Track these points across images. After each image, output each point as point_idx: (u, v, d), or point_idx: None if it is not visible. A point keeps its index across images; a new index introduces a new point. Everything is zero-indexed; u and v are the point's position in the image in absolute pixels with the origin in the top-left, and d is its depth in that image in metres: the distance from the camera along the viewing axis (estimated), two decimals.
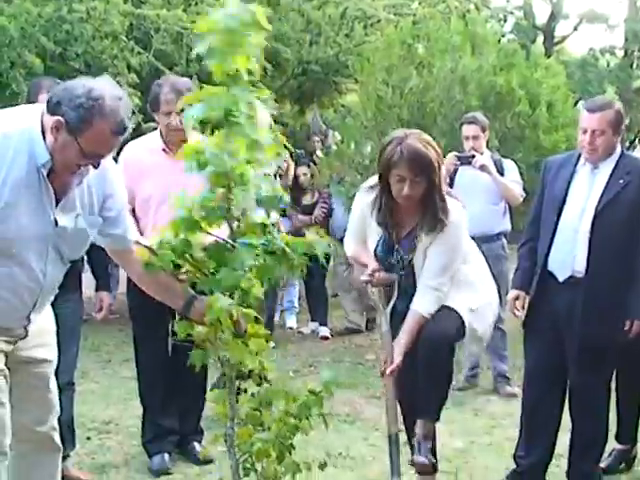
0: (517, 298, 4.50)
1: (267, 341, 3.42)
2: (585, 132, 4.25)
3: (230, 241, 3.28)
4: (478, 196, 6.26)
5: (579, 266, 4.23)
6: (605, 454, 4.63)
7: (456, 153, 6.35)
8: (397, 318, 3.93)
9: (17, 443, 3.21)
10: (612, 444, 4.76)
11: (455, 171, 6.32)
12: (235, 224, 3.27)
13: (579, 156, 4.36)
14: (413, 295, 3.87)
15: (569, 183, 4.33)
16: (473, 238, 5.22)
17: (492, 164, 6.39)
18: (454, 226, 3.78)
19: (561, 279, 4.28)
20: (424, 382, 3.84)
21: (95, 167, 2.97)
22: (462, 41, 8.12)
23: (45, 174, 2.93)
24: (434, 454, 3.95)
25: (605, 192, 4.22)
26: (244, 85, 3.11)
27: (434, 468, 3.92)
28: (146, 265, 3.25)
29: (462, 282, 3.90)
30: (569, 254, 4.26)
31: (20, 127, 2.93)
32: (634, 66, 24.49)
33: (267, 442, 3.36)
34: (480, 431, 5.50)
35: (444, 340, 3.80)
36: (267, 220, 3.38)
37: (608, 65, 24.43)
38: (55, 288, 3.25)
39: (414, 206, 3.80)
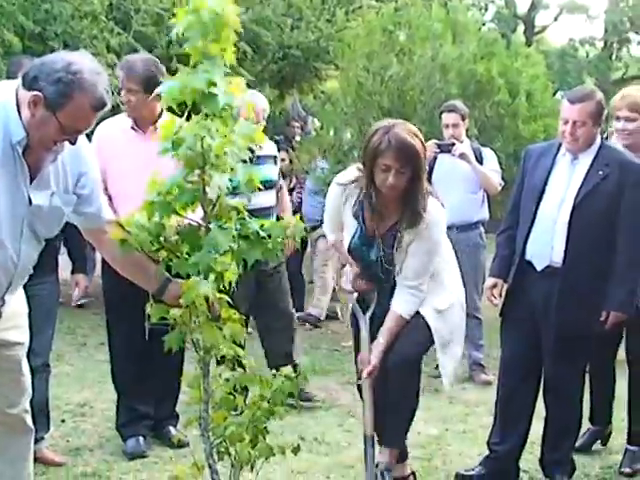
0: (495, 286, 4.51)
1: (242, 326, 3.43)
2: (566, 123, 4.25)
3: (204, 224, 3.27)
4: (457, 184, 6.30)
5: (557, 256, 4.24)
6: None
7: (436, 141, 6.36)
8: (377, 322, 3.96)
9: None
10: (586, 425, 4.81)
11: (434, 159, 6.34)
12: (209, 207, 3.27)
13: (559, 146, 4.37)
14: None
15: (549, 173, 4.34)
16: (451, 227, 5.27)
17: (471, 152, 6.41)
18: (434, 225, 3.78)
19: (539, 268, 4.29)
20: (390, 412, 3.92)
21: (72, 143, 2.94)
22: (443, 29, 8.12)
23: (20, 152, 2.88)
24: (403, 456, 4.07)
25: (584, 183, 4.23)
26: (221, 67, 3.11)
27: None
28: (122, 243, 3.23)
29: (432, 280, 3.90)
30: (547, 244, 4.27)
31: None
32: (613, 57, 24.64)
33: (241, 426, 3.36)
34: (455, 418, 5.54)
35: (410, 367, 3.88)
36: (242, 204, 3.37)
37: (587, 56, 24.57)
38: (30, 268, 3.21)
39: (396, 199, 3.79)
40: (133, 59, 4.74)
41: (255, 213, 4.57)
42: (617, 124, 4.79)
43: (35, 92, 2.78)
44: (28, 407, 3.41)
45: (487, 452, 4.55)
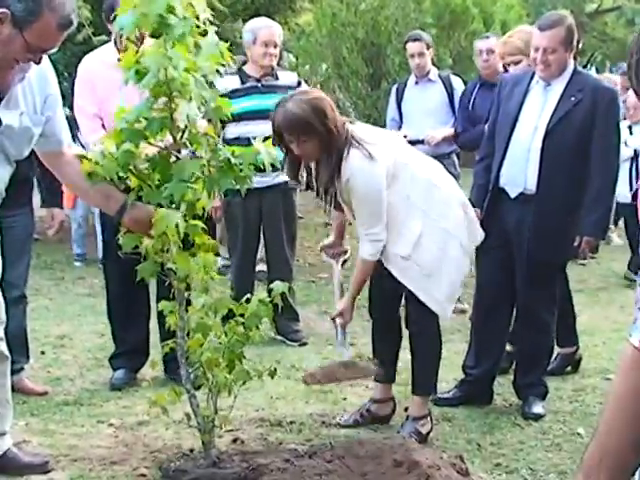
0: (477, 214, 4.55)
1: (214, 254, 3.46)
2: (537, 50, 4.26)
3: (174, 152, 3.27)
4: (427, 116, 6.32)
5: (530, 183, 4.28)
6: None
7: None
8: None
9: None
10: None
11: (403, 90, 6.39)
12: (179, 135, 3.27)
13: (533, 74, 4.38)
14: None
15: (522, 100, 4.36)
16: None
17: (439, 80, 6.42)
18: (353, 177, 3.75)
19: (512, 195, 4.33)
20: (416, 361, 4.12)
21: (36, 63, 2.93)
22: None
23: None
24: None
25: (557, 110, 4.26)
26: None
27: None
28: (89, 175, 3.24)
29: (387, 229, 3.88)
30: (521, 171, 4.30)
31: None
32: None
33: (217, 351, 3.41)
34: None
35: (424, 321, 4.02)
36: (212, 130, 3.37)
37: None
38: (2, 191, 3.23)
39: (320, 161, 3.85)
40: None
41: (235, 143, 4.60)
42: (510, 68, 5.09)
43: (2, 9, 2.76)
44: (2, 335, 3.45)
45: (462, 377, 4.65)
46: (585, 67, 26.71)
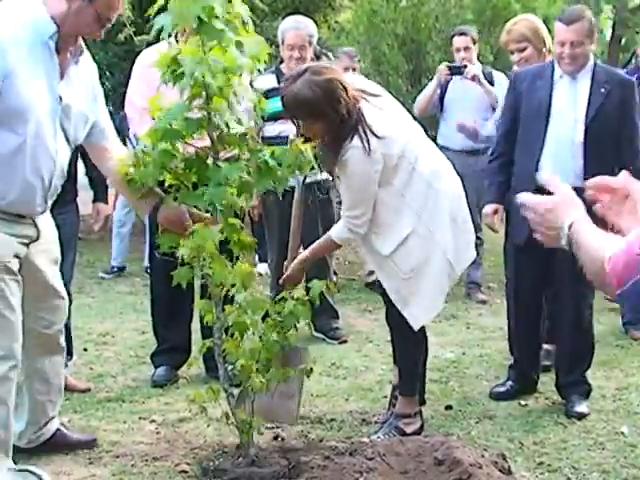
0: (496, 212, 4.50)
1: (252, 265, 3.45)
2: (563, 45, 4.27)
3: (212, 153, 3.27)
4: (468, 108, 6.31)
5: (578, 177, 4.18)
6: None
7: (447, 63, 6.38)
8: None
9: (28, 347, 3.39)
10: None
11: (447, 82, 6.37)
12: (216, 134, 3.26)
13: (553, 68, 4.39)
14: None
15: (550, 94, 4.34)
16: (461, 151, 5.25)
17: (482, 76, 6.39)
18: (345, 163, 3.64)
19: None
20: (398, 362, 4.07)
21: (99, 36, 3.15)
22: None
23: (53, 47, 3.03)
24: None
25: (591, 102, 4.28)
26: None
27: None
28: (129, 182, 3.27)
29: (372, 224, 3.79)
30: (568, 165, 4.23)
31: (22, 7, 3.03)
32: None
33: (252, 354, 3.38)
34: (471, 343, 5.58)
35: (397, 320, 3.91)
36: (252, 131, 3.36)
37: None
38: (64, 174, 3.33)
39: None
40: None
41: (275, 141, 4.60)
42: (513, 57, 5.11)
43: None
44: (63, 328, 3.64)
45: (503, 376, 4.63)
46: (629, 62, 26.35)
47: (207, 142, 3.32)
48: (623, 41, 25.12)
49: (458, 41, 6.50)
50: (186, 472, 3.56)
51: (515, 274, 4.57)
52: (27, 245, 3.28)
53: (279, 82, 5.38)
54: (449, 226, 3.83)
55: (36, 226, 3.30)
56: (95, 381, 4.73)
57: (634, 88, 4.43)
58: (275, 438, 3.89)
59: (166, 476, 3.53)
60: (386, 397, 4.42)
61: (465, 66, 6.29)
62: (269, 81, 5.34)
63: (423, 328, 3.99)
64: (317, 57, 11.51)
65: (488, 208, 4.54)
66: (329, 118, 3.58)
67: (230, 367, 3.57)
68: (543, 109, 4.32)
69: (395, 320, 3.94)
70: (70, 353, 4.64)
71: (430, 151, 3.94)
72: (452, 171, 3.98)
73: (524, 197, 1.80)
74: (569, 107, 4.31)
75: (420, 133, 3.94)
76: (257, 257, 7.19)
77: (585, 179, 4.12)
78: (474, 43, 6.49)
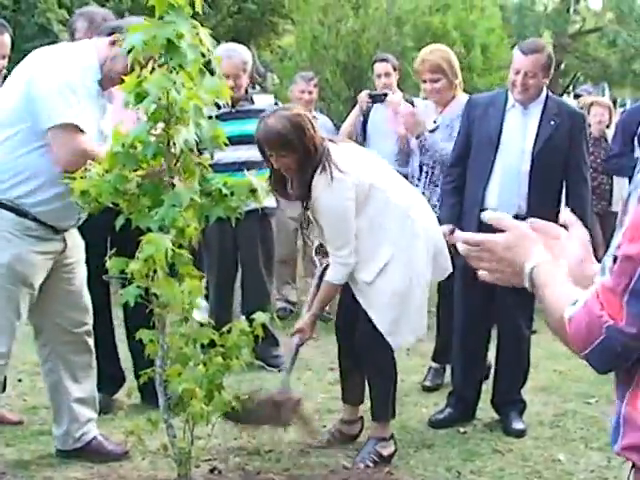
0: (453, 231, 4.56)
1: (200, 283, 3.42)
2: (517, 73, 4.35)
3: (167, 177, 3.25)
4: (391, 135, 6.31)
5: (522, 205, 4.35)
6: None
7: (369, 91, 6.36)
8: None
9: (57, 346, 3.80)
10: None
11: (369, 110, 6.36)
12: (173, 162, 3.24)
13: (506, 96, 4.45)
14: None
15: (501, 123, 4.41)
16: None
17: (404, 103, 6.39)
18: (319, 199, 3.77)
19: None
20: (371, 387, 4.15)
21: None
22: None
23: (100, 90, 3.58)
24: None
25: (539, 133, 4.36)
26: (187, 18, 3.06)
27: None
28: (82, 195, 3.21)
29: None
30: (513, 194, 4.36)
31: (83, 54, 3.58)
32: (571, 11, 24.61)
33: (195, 381, 3.36)
34: (411, 370, 5.56)
35: (371, 342, 3.98)
36: (206, 160, 3.36)
37: (545, 9, 24.49)
38: None
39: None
40: (91, 10, 4.69)
41: (244, 166, 4.62)
42: (425, 86, 5.12)
43: (120, 34, 3.42)
44: (91, 328, 3.91)
45: (445, 401, 4.67)
46: (567, 87, 26.88)
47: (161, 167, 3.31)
48: (562, 66, 25.66)
49: (379, 67, 6.44)
50: None
51: (462, 306, 4.61)
52: (54, 259, 3.64)
53: (218, 108, 5.36)
54: (425, 253, 3.98)
55: (64, 240, 3.68)
56: (28, 413, 4.62)
57: (584, 120, 4.54)
58: (212, 471, 3.84)
59: None
60: (325, 427, 4.40)
61: (386, 94, 6.26)
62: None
63: (392, 352, 4.06)
64: (260, 76, 11.57)
65: (444, 228, 4.60)
66: (297, 151, 3.74)
67: (170, 395, 3.51)
68: (493, 137, 4.41)
69: (368, 346, 4.00)
70: (3, 385, 4.54)
71: (401, 184, 4.10)
72: (424, 201, 4.20)
73: (476, 236, 1.71)
74: (518, 137, 4.40)
75: (388, 169, 4.11)
76: None
77: (529, 207, 4.27)
78: (395, 70, 6.46)
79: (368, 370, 4.14)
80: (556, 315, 1.54)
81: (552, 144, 4.34)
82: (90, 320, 3.91)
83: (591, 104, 7.59)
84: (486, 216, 1.73)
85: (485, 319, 4.60)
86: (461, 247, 1.73)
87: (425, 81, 5.09)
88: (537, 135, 4.36)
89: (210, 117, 3.31)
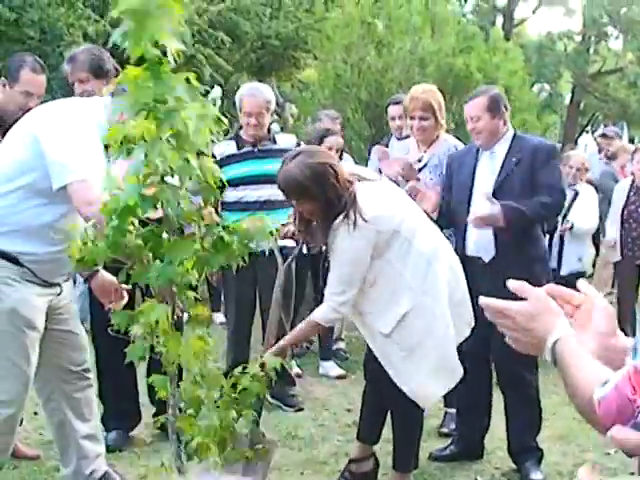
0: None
1: (207, 343, 3.36)
2: (468, 121, 4.53)
3: (166, 229, 3.21)
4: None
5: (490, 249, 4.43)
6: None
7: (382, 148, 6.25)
8: None
9: (59, 384, 3.78)
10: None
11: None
12: (170, 212, 3.20)
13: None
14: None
15: (474, 170, 4.53)
16: None
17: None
18: (335, 244, 3.70)
19: (487, 260, 4.44)
20: (396, 434, 4.08)
21: None
22: (422, 21, 8.14)
23: None
24: None
25: (501, 171, 4.45)
26: (166, 70, 2.94)
27: None
28: (78, 262, 3.16)
29: (371, 301, 3.81)
30: (486, 237, 4.43)
31: (93, 113, 3.53)
32: (591, 51, 24.72)
33: (208, 433, 3.30)
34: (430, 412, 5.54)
35: (396, 401, 3.92)
36: (204, 209, 3.31)
37: (565, 49, 24.62)
38: None
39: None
40: (74, 52, 4.60)
41: (265, 205, 4.60)
42: (413, 122, 5.07)
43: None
44: (89, 365, 3.91)
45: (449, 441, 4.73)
46: (586, 126, 26.90)
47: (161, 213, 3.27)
48: (582, 106, 25.71)
49: (393, 110, 6.33)
50: None
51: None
52: (51, 301, 3.64)
53: (239, 148, 5.38)
54: (447, 304, 3.81)
55: (60, 285, 3.68)
56: (45, 448, 4.61)
57: (550, 151, 4.51)
58: None
59: None
60: (340, 471, 4.37)
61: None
62: (229, 147, 5.36)
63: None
64: (279, 106, 11.63)
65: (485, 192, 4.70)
66: (317, 199, 3.65)
67: (184, 444, 3.48)
68: (467, 183, 4.53)
69: (395, 399, 3.90)
70: (20, 418, 4.52)
71: (429, 230, 3.92)
72: (451, 250, 4.02)
73: (497, 304, 1.70)
74: (486, 180, 4.48)
75: (418, 212, 3.96)
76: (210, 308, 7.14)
77: (496, 250, 4.28)
78: None
79: (394, 420, 4.07)
80: (584, 395, 1.52)
81: (510, 182, 4.39)
82: (88, 357, 3.89)
83: (635, 150, 7.11)
84: (509, 285, 1.72)
85: (483, 364, 4.58)
86: (486, 312, 1.72)
87: (414, 118, 5.03)
88: (499, 174, 4.44)
89: (213, 156, 3.28)
